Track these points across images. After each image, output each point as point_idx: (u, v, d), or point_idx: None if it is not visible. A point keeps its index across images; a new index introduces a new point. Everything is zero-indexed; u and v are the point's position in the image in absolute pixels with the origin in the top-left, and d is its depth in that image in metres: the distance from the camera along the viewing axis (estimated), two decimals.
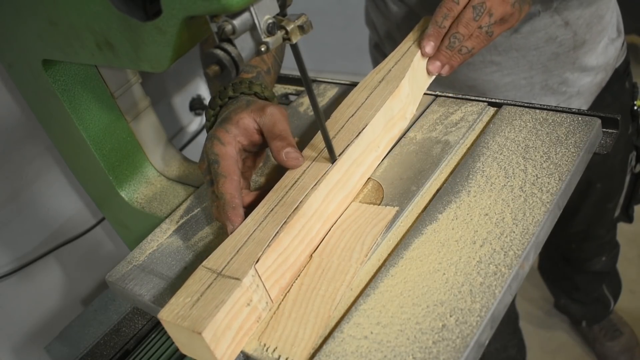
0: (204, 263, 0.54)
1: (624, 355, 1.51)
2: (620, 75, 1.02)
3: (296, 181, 0.59)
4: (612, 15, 0.95)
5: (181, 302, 0.50)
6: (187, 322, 0.48)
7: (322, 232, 0.58)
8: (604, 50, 0.95)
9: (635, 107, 1.05)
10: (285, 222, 0.54)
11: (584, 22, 0.89)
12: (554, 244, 1.37)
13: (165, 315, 0.50)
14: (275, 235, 0.53)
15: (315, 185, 0.57)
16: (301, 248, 0.56)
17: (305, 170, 0.60)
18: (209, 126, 0.69)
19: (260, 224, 0.55)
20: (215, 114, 0.69)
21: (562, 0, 0.85)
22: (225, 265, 0.52)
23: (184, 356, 0.69)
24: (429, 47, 0.69)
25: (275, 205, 0.57)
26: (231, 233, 0.57)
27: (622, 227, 1.31)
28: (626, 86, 1.04)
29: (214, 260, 0.54)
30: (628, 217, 1.23)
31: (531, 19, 0.86)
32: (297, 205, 0.56)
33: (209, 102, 0.69)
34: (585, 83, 0.96)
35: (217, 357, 0.48)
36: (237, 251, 0.53)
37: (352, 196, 0.62)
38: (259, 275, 0.51)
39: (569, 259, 1.39)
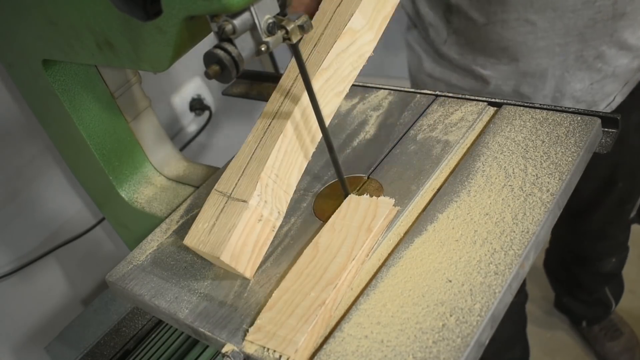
0: (216, 186, 0.58)
1: (624, 355, 1.51)
2: None
3: (289, 91, 0.61)
4: None
5: (200, 228, 0.57)
6: (207, 247, 0.55)
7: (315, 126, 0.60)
8: None
9: None
10: (282, 133, 0.58)
11: None
12: (566, 240, 1.37)
13: (189, 242, 0.57)
14: (275, 144, 0.57)
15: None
16: (300, 142, 0.60)
17: (296, 78, 0.62)
18: None
19: (260, 141, 0.58)
20: None
21: None
22: (234, 188, 0.57)
23: (184, 356, 0.69)
24: None
25: (272, 119, 0.60)
26: None
27: None
28: None
29: (224, 182, 0.58)
30: None
31: None
32: (292, 114, 0.59)
33: None
34: (621, 64, 0.92)
35: (240, 271, 0.56)
36: (242, 172, 0.57)
37: (347, 87, 0.63)
38: (268, 186, 0.56)
39: (580, 257, 1.38)
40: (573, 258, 1.41)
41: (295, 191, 0.66)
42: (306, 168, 0.69)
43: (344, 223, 0.58)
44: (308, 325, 0.49)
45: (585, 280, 1.44)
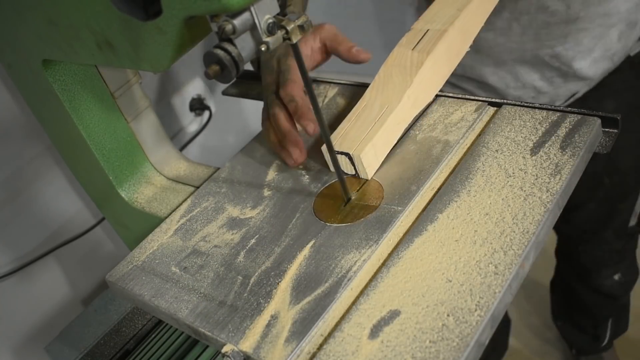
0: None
1: None
2: (636, 65, 0.99)
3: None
4: (634, 8, 0.91)
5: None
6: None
7: None
8: (607, 36, 0.92)
9: None
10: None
11: None
12: (564, 251, 1.34)
13: None
14: None
15: None
16: None
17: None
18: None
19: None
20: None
21: None
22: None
23: (184, 356, 0.69)
24: None
25: None
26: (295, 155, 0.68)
27: None
28: None
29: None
30: None
31: None
32: None
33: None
34: (582, 67, 0.94)
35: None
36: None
37: None
38: None
39: (579, 270, 1.33)
40: (574, 274, 1.34)
41: (295, 191, 0.66)
42: (306, 168, 0.69)
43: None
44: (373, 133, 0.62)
45: (590, 303, 1.36)
